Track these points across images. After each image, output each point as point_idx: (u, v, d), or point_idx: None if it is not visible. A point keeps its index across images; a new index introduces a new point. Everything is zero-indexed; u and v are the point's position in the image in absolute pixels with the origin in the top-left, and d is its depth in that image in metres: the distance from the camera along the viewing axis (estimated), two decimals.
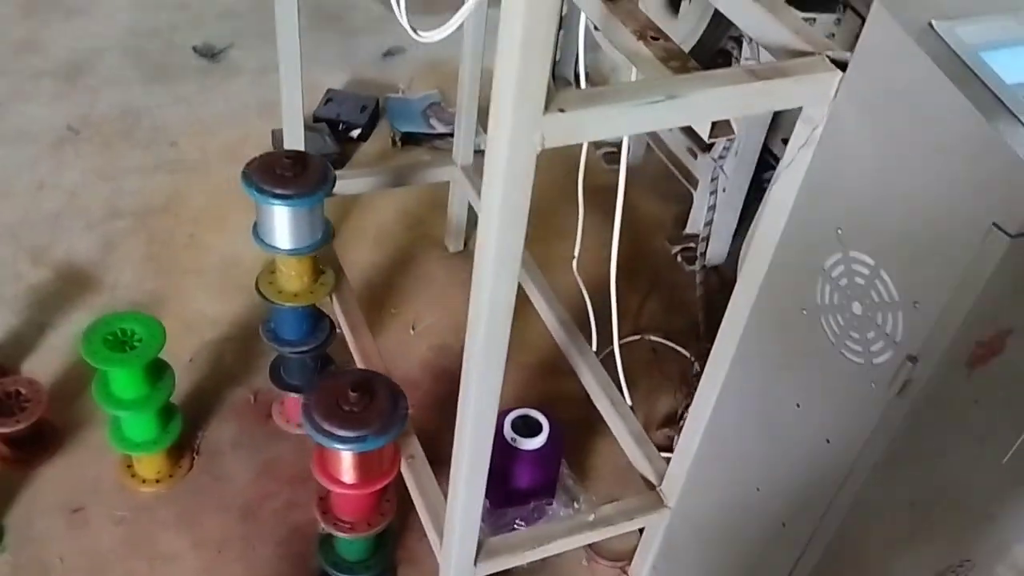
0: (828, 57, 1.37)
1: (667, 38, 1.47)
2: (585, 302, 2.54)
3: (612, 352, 2.44)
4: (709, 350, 1.80)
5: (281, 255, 2.25)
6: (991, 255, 1.20)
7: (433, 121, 3.84)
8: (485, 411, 1.55)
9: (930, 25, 1.26)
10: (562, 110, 1.17)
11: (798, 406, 1.61)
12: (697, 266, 3.27)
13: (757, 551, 1.86)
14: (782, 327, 1.61)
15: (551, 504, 2.37)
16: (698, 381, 1.87)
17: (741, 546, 1.94)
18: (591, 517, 2.07)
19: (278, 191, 2.09)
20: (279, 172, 2.10)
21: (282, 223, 2.16)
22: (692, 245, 3.36)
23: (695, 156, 3.24)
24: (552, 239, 2.84)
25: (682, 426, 1.99)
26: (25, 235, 3.20)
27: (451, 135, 3.85)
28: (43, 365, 2.77)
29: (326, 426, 1.80)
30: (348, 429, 1.80)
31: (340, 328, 2.56)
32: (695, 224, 3.39)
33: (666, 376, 3.00)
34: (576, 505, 2.40)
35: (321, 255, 2.37)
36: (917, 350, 1.33)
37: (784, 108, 1.39)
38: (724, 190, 3.15)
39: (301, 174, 2.12)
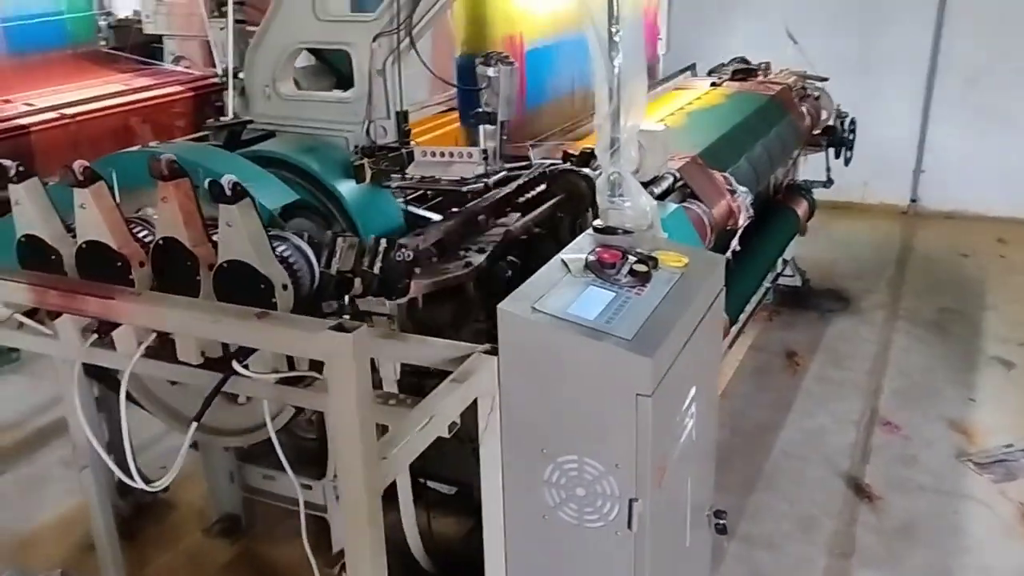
0: (481, 352, 2.02)
1: None
2: None
3: None
4: None
5: None
6: (644, 410, 1.92)
7: None
8: None
9: (534, 307, 2.00)
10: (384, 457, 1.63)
11: None
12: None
13: None
14: (535, 539, 2.15)
15: None
16: None
17: None
18: None
19: None
20: None
21: None
22: None
23: (309, 487, 3.64)
24: None
25: None
26: None
27: None
28: None
29: None
30: None
31: None
32: (340, 542, 3.74)
33: None
34: None
35: None
36: (634, 493, 1.99)
37: (483, 396, 1.99)
38: None
39: None
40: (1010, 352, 4.92)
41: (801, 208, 4.99)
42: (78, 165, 1.86)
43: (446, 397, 1.85)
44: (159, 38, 6.94)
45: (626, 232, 2.43)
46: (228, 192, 1.76)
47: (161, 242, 1.91)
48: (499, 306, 2.00)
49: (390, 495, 3.29)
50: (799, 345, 5.02)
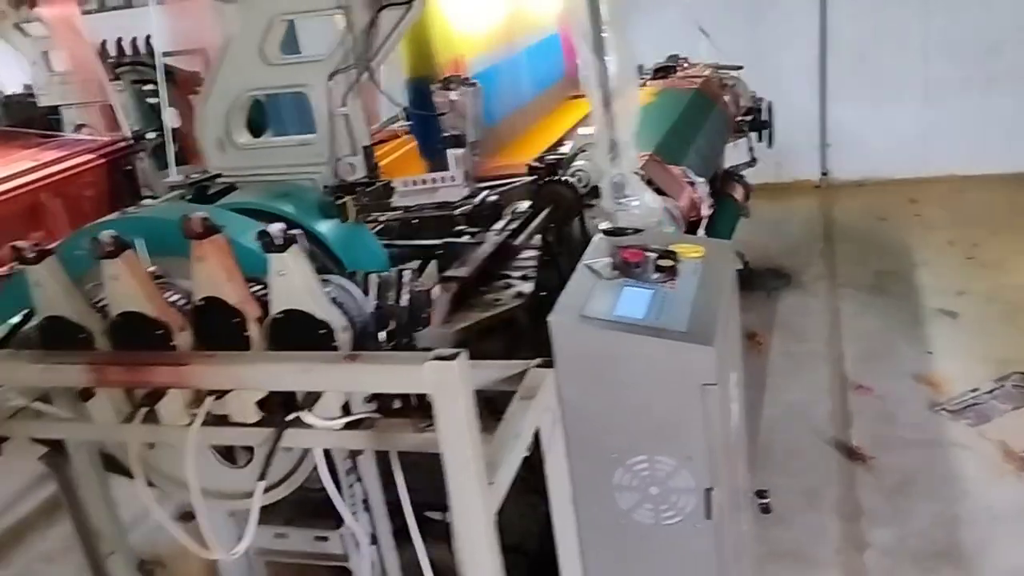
0: (535, 366, 2.01)
1: None
2: None
3: None
4: None
5: None
6: (711, 399, 1.94)
7: None
8: None
9: (582, 315, 2.01)
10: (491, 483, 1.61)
11: None
12: None
13: None
14: (611, 546, 2.14)
15: None
16: None
17: None
18: None
19: None
20: None
21: None
22: None
23: (325, 539, 3.53)
24: None
25: None
26: None
27: None
28: None
29: None
30: None
31: None
32: None
33: None
34: None
35: None
36: (709, 483, 2.01)
37: (544, 410, 1.97)
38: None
39: None
40: (950, 303, 5.16)
41: (738, 193, 5.13)
42: (107, 236, 1.78)
43: (523, 416, 1.83)
44: (54, 109, 6.68)
45: (636, 231, 2.46)
46: (279, 241, 1.71)
47: (202, 303, 1.84)
48: (549, 319, 1.99)
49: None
50: (756, 325, 5.15)
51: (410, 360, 1.51)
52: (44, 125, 6.57)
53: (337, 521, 3.17)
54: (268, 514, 3.20)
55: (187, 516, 3.65)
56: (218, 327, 1.85)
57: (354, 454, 2.64)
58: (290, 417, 1.91)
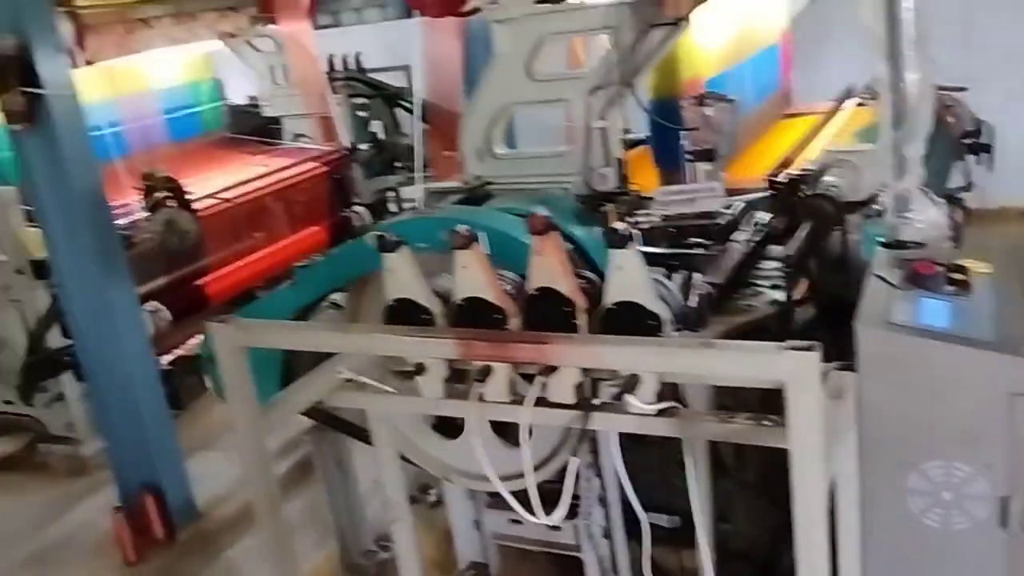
0: (836, 368, 2.10)
1: None
2: None
3: None
4: None
5: None
6: (1019, 407, 1.98)
7: None
8: None
9: (888, 322, 2.09)
10: None
11: None
12: None
13: None
14: (896, 548, 2.20)
15: None
16: None
17: None
18: None
19: None
20: None
21: None
22: None
23: (558, 528, 3.67)
24: None
25: None
26: None
27: None
28: None
29: None
30: None
31: None
32: None
33: None
34: None
35: None
36: (1007, 491, 2.05)
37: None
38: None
39: None
40: None
41: (958, 215, 5.03)
42: (464, 229, 2.00)
43: (836, 416, 1.93)
44: (274, 120, 7.22)
45: (917, 245, 2.51)
46: (624, 239, 1.88)
47: (536, 293, 2.03)
48: (856, 325, 2.08)
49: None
50: None
51: (766, 349, 1.63)
52: (263, 134, 7.14)
53: (570, 512, 3.33)
54: (503, 501, 3.41)
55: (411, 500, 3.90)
56: (550, 315, 2.03)
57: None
58: (597, 401, 2.08)
